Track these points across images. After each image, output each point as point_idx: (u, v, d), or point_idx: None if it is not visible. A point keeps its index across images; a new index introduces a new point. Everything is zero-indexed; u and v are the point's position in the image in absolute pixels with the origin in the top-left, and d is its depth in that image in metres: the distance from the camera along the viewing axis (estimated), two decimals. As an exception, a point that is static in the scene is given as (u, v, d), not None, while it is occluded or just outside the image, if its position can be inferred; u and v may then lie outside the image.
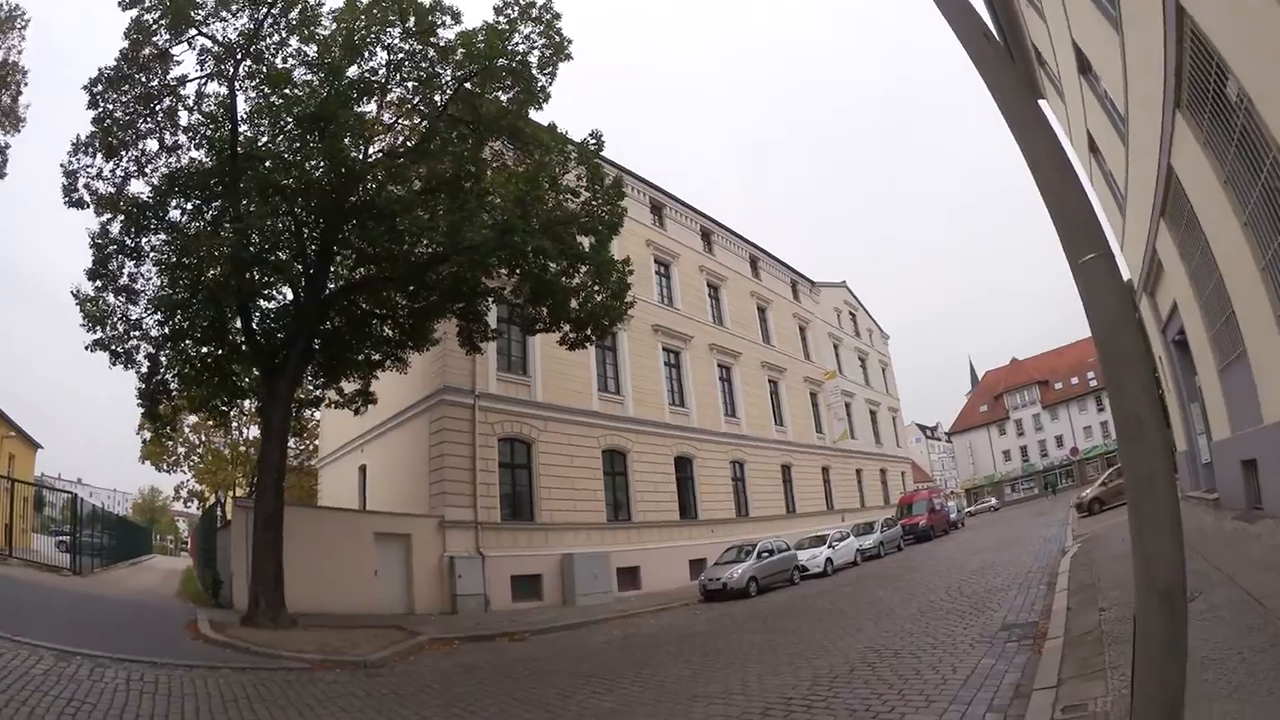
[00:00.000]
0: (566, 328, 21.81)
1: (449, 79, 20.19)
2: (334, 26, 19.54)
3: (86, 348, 19.53)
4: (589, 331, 22.03)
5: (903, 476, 65.10)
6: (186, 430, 48.93)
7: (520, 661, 15.28)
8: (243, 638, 15.81)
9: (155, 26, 18.73)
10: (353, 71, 19.39)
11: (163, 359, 20.88)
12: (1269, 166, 8.53)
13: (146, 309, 20.11)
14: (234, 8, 18.95)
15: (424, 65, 20.10)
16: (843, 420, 54.20)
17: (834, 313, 60.66)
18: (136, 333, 20.24)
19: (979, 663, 9.63)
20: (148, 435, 42.03)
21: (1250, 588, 8.93)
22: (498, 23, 19.51)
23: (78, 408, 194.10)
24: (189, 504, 59.64)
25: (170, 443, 46.66)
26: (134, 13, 18.54)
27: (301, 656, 14.48)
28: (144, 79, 19.27)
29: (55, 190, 19.23)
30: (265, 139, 19.90)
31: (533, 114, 20.86)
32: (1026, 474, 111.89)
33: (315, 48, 19.52)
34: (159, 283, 20.23)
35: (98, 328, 19.55)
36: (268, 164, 18.93)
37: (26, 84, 26.44)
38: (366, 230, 19.27)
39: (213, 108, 20.06)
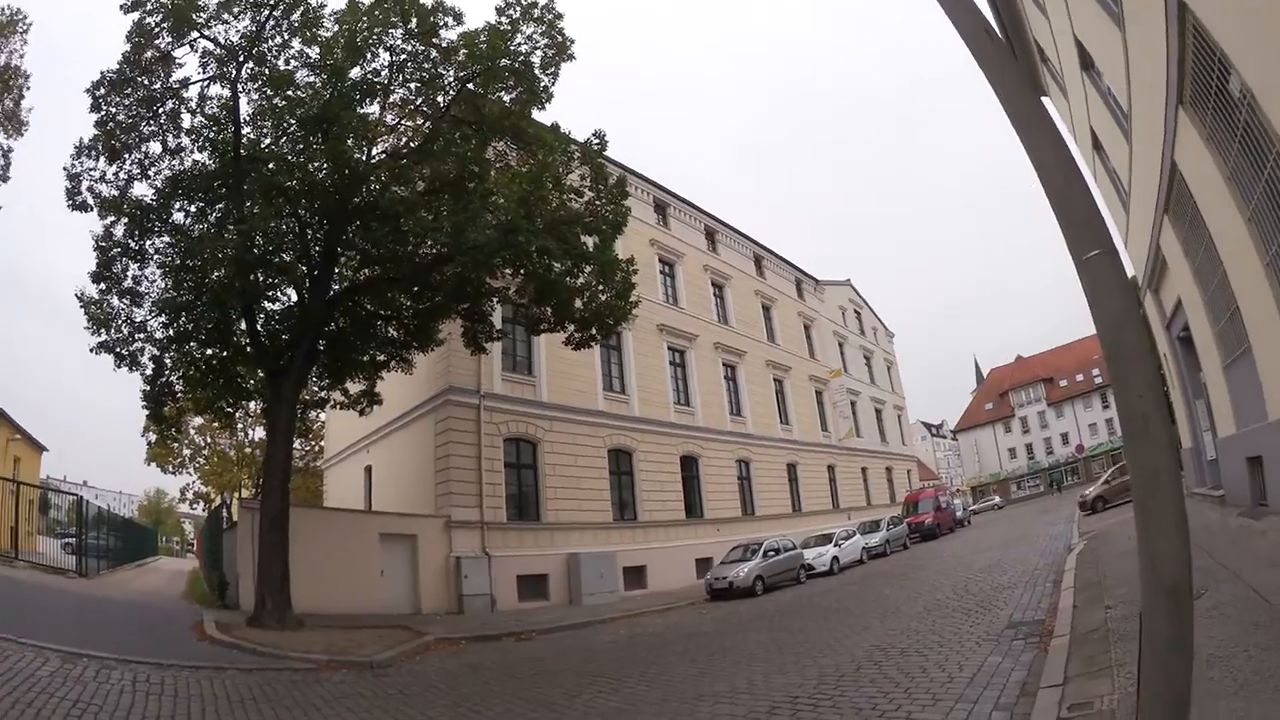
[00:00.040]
0: (571, 327, 21.80)
1: (452, 80, 20.17)
2: (336, 28, 19.54)
3: (91, 350, 19.54)
4: (594, 331, 22.01)
5: (908, 475, 65.10)
6: (192, 432, 49.14)
7: (526, 661, 15.29)
8: (249, 638, 15.83)
9: (157, 29, 18.76)
10: (355, 73, 19.40)
11: (167, 361, 20.89)
12: (1272, 162, 8.51)
13: (151, 311, 20.16)
14: (236, 10, 18.98)
15: (426, 66, 20.08)
16: (848, 418, 54.08)
17: (839, 311, 60.60)
18: (141, 335, 20.26)
19: (985, 661, 9.63)
20: (153, 437, 42.10)
21: (1256, 584, 8.90)
22: (500, 23, 19.50)
23: (83, 410, 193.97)
24: (195, 506, 59.82)
25: (176, 445, 46.81)
26: (135, 16, 18.58)
27: (308, 657, 14.50)
28: (146, 82, 19.29)
29: (58, 193, 19.26)
30: (268, 141, 19.92)
31: (536, 114, 20.87)
32: (1032, 471, 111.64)
33: (317, 49, 19.54)
34: (163, 285, 20.27)
35: (102, 330, 19.56)
36: (271, 166, 18.95)
37: (29, 88, 26.53)
38: (370, 231, 19.27)
39: (215, 110, 20.09)
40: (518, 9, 19.58)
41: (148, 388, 20.79)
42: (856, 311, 64.63)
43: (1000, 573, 19.28)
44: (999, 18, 17.91)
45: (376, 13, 19.15)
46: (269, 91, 19.37)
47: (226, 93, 19.73)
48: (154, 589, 28.73)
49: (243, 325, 20.49)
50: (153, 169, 20.00)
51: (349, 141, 18.43)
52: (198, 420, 43.97)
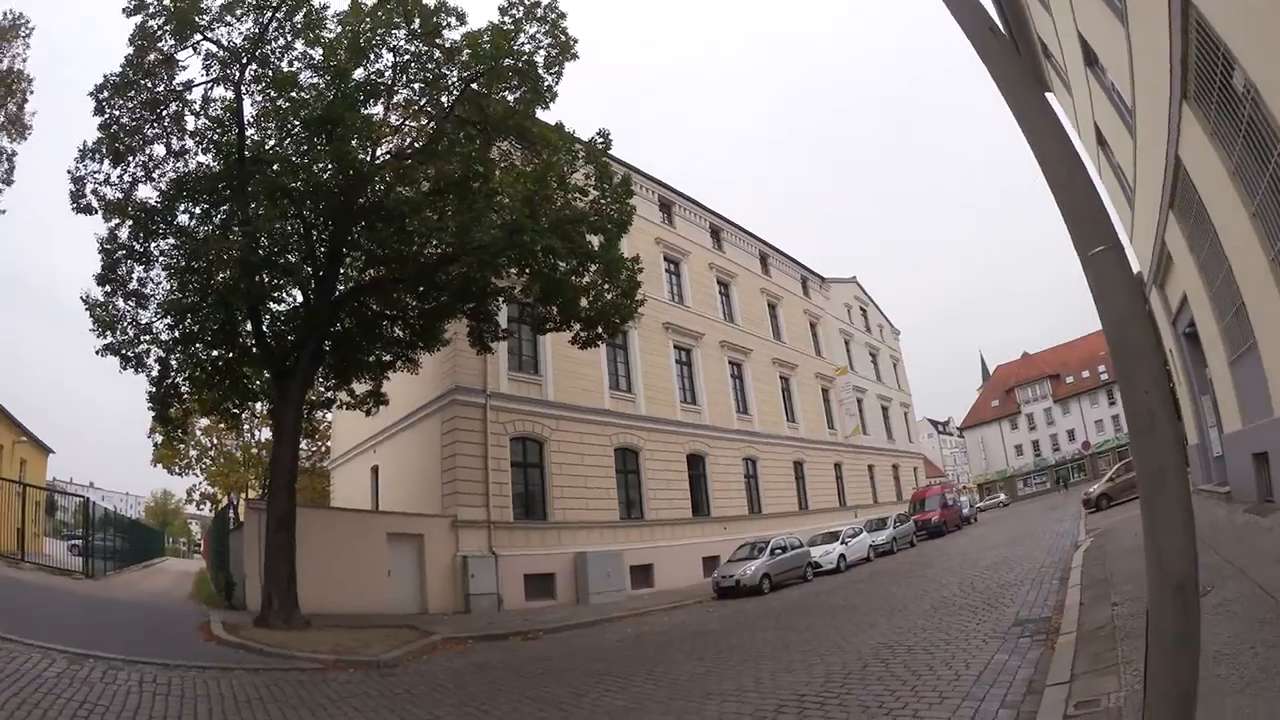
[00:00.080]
0: (577, 326, 21.79)
1: (455, 80, 20.18)
2: (339, 29, 19.53)
3: (97, 352, 19.57)
4: (600, 330, 22.00)
5: (915, 472, 65.03)
6: (198, 433, 49.18)
7: (533, 660, 15.30)
8: (256, 639, 15.87)
9: (160, 32, 18.77)
10: (359, 74, 19.42)
11: (173, 363, 20.92)
12: (1277, 157, 8.49)
13: (156, 313, 20.20)
14: (239, 12, 18.97)
15: (430, 67, 20.10)
16: (854, 416, 54.05)
17: (844, 308, 60.55)
18: (147, 337, 20.29)
19: (992, 658, 9.63)
20: (159, 439, 42.23)
21: (1262, 581, 8.89)
22: (503, 23, 19.47)
23: (89, 412, 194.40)
24: (201, 506, 59.96)
25: (182, 446, 46.89)
26: (138, 19, 18.60)
27: (315, 657, 14.54)
28: (150, 85, 19.30)
29: (61, 195, 19.35)
30: (273, 142, 19.92)
31: (540, 113, 20.83)
32: (1038, 468, 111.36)
33: (321, 51, 19.53)
34: (168, 287, 20.32)
35: (108, 333, 19.59)
36: (275, 167, 18.96)
37: (32, 91, 26.58)
38: (375, 232, 19.29)
39: (219, 112, 20.12)
40: (521, 9, 19.55)
41: (154, 389, 20.84)
42: (862, 309, 64.59)
43: (1007, 570, 19.26)
44: (1002, 14, 17.89)
45: (379, 14, 19.16)
46: (273, 93, 19.36)
47: (230, 95, 19.77)
48: (161, 590, 28.79)
49: (248, 326, 20.51)
50: (157, 171, 20.04)
51: (353, 142, 18.45)
52: (204, 421, 44.03)
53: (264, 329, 20.78)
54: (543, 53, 20.01)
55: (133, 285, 20.16)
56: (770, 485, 42.47)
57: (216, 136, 20.06)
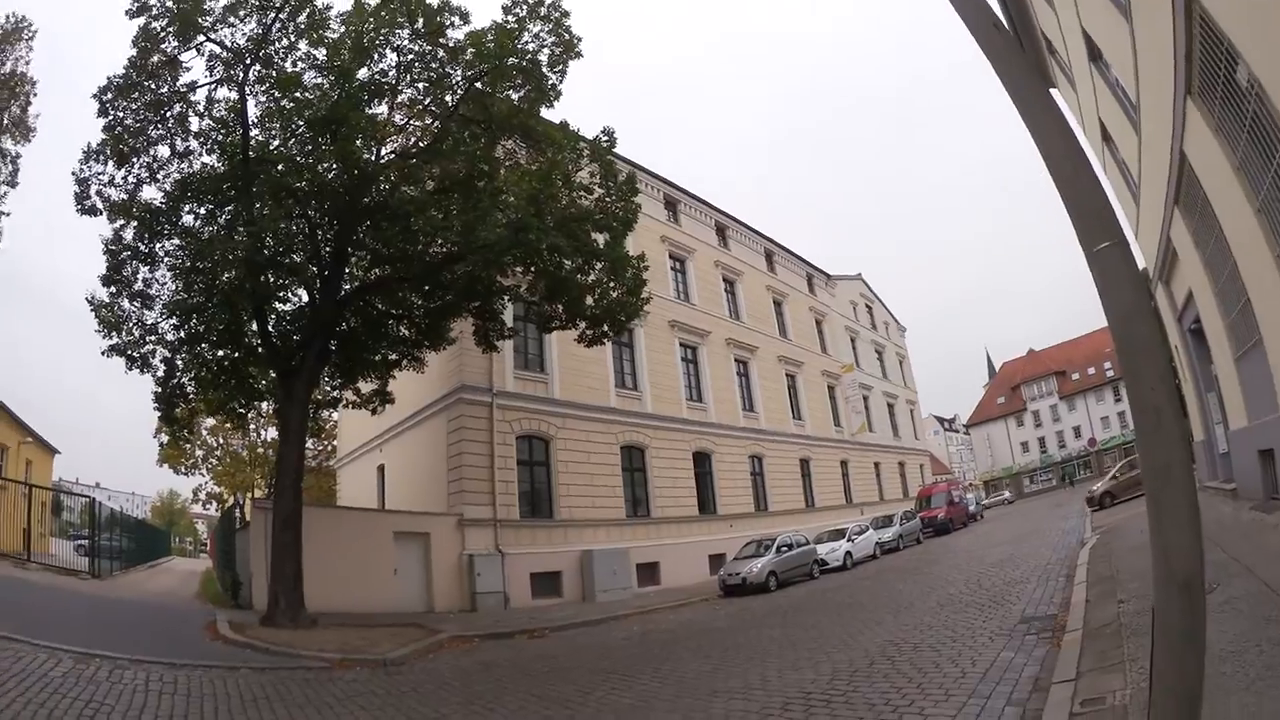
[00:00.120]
0: (583, 325, 21.74)
1: (459, 79, 20.17)
2: (342, 29, 19.54)
3: (103, 353, 19.59)
4: (605, 328, 21.96)
5: (921, 469, 64.90)
6: (204, 433, 49.17)
7: (540, 658, 15.31)
8: (262, 638, 15.90)
9: (163, 34, 18.79)
10: (363, 74, 19.41)
11: (179, 363, 20.98)
12: (1282, 152, 8.49)
13: (162, 314, 20.23)
14: (242, 13, 18.98)
15: (434, 66, 20.08)
16: (860, 413, 54.06)
17: (850, 306, 60.47)
18: (152, 337, 20.33)
19: (998, 656, 9.62)
20: (165, 439, 42.25)
21: (1268, 579, 8.87)
22: (507, 22, 19.44)
23: (95, 413, 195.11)
24: (208, 506, 59.88)
25: (188, 446, 46.87)
26: (141, 21, 18.63)
27: (321, 656, 14.54)
28: (153, 86, 19.34)
29: (64, 196, 19.41)
30: (277, 142, 19.92)
31: (544, 112, 20.79)
32: (1044, 465, 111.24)
33: (324, 51, 19.53)
34: (174, 287, 20.34)
35: (113, 333, 19.62)
36: (280, 167, 18.98)
37: (36, 94, 26.65)
38: (381, 231, 19.30)
39: (223, 113, 20.13)
40: (524, 7, 19.52)
41: (159, 390, 20.89)
42: (868, 306, 64.46)
43: (1013, 567, 19.24)
44: (1006, 10, 17.89)
45: (383, 13, 19.13)
46: (277, 93, 19.38)
47: (234, 95, 19.79)
48: (167, 589, 28.88)
49: (254, 326, 20.58)
50: (161, 172, 20.06)
51: (358, 142, 18.44)
52: (210, 421, 44.06)
53: (269, 329, 20.80)
54: (546, 51, 19.99)
55: (138, 286, 20.20)
56: (776, 483, 42.45)
57: (221, 137, 20.07)
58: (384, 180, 19.65)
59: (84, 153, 19.25)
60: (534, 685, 12.16)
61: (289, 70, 19.40)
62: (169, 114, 19.75)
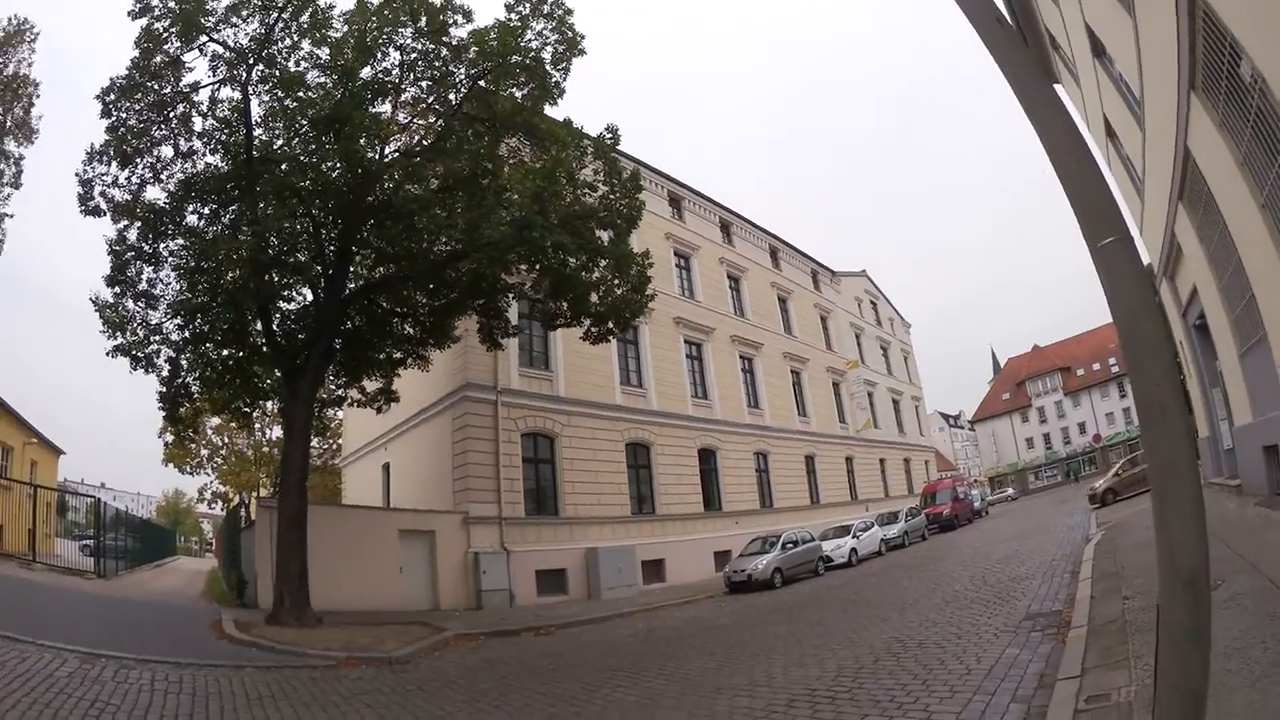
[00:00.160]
0: (588, 322, 21.71)
1: (463, 77, 20.17)
2: (345, 29, 19.58)
3: (107, 354, 19.63)
4: (610, 325, 21.93)
5: (926, 466, 64.90)
6: (209, 432, 49.35)
7: (545, 656, 15.33)
8: (267, 636, 15.93)
9: (165, 34, 18.82)
10: (366, 73, 19.42)
11: (183, 362, 21.02)
12: (1285, 147, 8.47)
13: (166, 314, 20.30)
14: (244, 13, 19.02)
15: (437, 64, 20.09)
16: (865, 410, 53.98)
17: (855, 302, 60.38)
18: (157, 337, 20.38)
19: (1003, 652, 9.62)
20: (170, 439, 42.32)
21: (1273, 575, 8.84)
22: (509, 20, 19.43)
23: (100, 414, 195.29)
24: (213, 505, 60.13)
25: (193, 445, 47.03)
26: (144, 21, 18.66)
27: (326, 654, 14.57)
28: (156, 86, 19.37)
29: (66, 196, 19.45)
30: (280, 142, 19.95)
31: (548, 110, 20.81)
32: (1049, 461, 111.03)
33: (327, 50, 19.56)
34: (178, 287, 20.38)
35: (118, 333, 19.67)
36: (284, 167, 19.01)
37: (38, 96, 26.72)
38: (385, 229, 19.33)
39: (227, 113, 20.16)
40: (527, 5, 19.51)
41: (164, 389, 20.91)
42: (873, 302, 64.41)
43: (1018, 564, 19.22)
44: (1009, 5, 17.83)
45: (385, 12, 19.13)
46: (280, 93, 19.40)
47: (237, 95, 19.81)
48: (172, 589, 28.93)
49: (258, 325, 20.63)
50: (165, 172, 20.11)
51: (361, 141, 18.43)
52: (215, 420, 44.22)
53: (274, 328, 20.82)
54: (550, 49, 20.00)
55: (142, 286, 20.24)
56: (781, 479, 42.42)
57: (224, 137, 20.10)
58: (388, 179, 19.66)
59: (87, 154, 19.29)
60: (539, 683, 12.18)
61: (292, 70, 19.42)
62: (172, 114, 19.80)
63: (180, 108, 19.86)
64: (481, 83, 19.95)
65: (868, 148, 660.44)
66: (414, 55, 19.90)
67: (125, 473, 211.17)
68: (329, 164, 19.13)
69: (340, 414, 36.77)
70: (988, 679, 8.47)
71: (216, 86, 19.89)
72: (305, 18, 19.46)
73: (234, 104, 20.00)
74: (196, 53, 19.33)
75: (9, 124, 25.95)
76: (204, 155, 20.43)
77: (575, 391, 30.45)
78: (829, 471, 48.02)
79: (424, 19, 19.27)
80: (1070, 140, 3.93)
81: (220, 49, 19.33)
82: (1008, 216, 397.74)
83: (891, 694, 8.56)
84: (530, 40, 19.76)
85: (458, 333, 23.13)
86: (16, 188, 26.28)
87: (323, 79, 19.52)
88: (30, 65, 26.57)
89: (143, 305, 20.25)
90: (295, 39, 19.69)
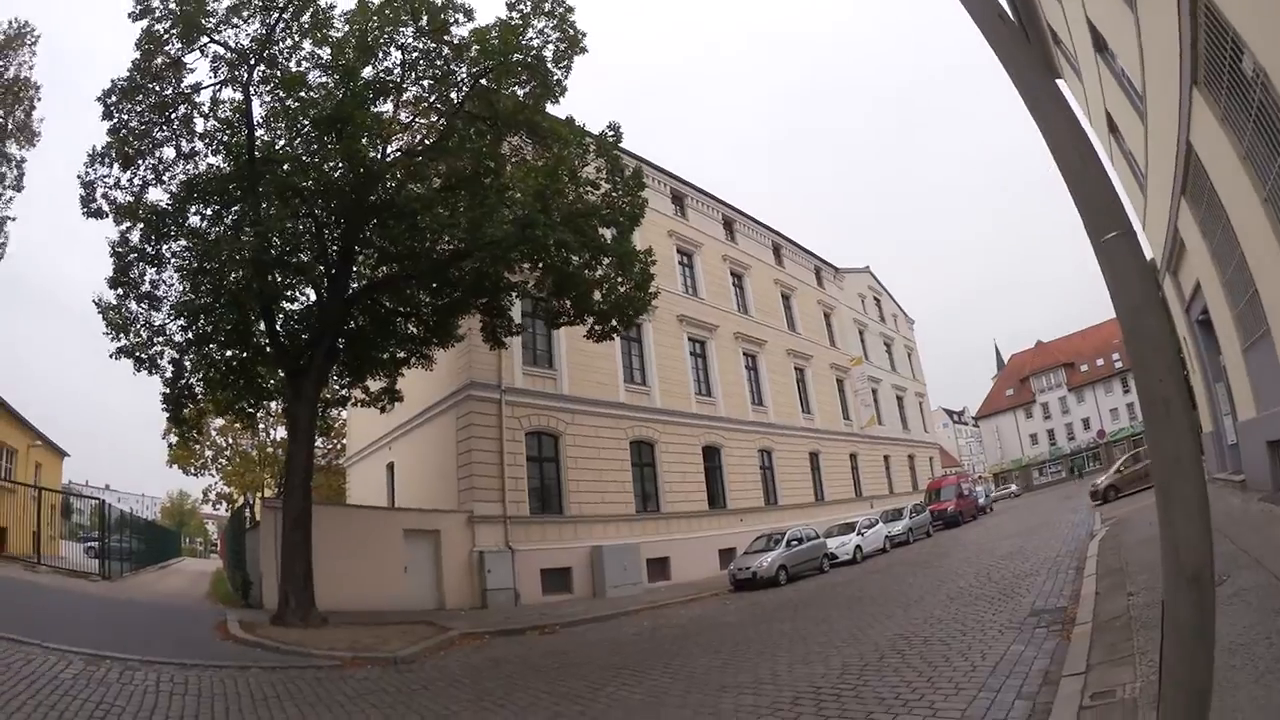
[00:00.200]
0: (591, 320, 21.71)
1: (464, 76, 20.18)
2: (346, 29, 19.59)
3: (111, 355, 19.65)
4: (613, 323, 21.93)
5: (930, 462, 64.79)
6: (213, 433, 49.42)
7: (550, 654, 15.35)
8: (273, 637, 15.96)
9: (166, 36, 18.85)
10: (367, 72, 19.43)
11: (187, 364, 21.04)
12: (1288, 143, 8.45)
13: (169, 315, 20.30)
14: (245, 14, 19.04)
15: (439, 63, 20.10)
16: (869, 406, 53.94)
17: (858, 298, 60.32)
18: (160, 339, 20.40)
19: (1008, 649, 9.60)
20: (174, 440, 42.40)
21: (1278, 571, 8.83)
22: (511, 18, 19.44)
23: (105, 416, 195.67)
24: (218, 506, 60.24)
25: (197, 446, 47.10)
26: (144, 23, 18.69)
27: (332, 654, 14.60)
28: (158, 88, 19.40)
29: (68, 198, 19.47)
30: (282, 142, 19.98)
31: (550, 108, 20.83)
32: (1054, 457, 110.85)
33: (329, 50, 19.58)
34: (181, 288, 20.40)
35: (121, 335, 19.68)
36: (286, 167, 19.02)
37: (40, 98, 26.75)
38: (387, 229, 19.34)
39: (228, 113, 20.17)
40: (529, 3, 19.53)
41: (168, 391, 20.92)
42: (876, 298, 64.36)
43: (1023, 560, 19.21)
44: (1011, 1, 17.82)
45: (386, 12, 19.13)
46: (281, 93, 19.42)
47: (239, 96, 19.84)
48: (177, 590, 28.98)
49: (262, 326, 20.63)
50: (167, 174, 20.15)
51: (363, 140, 18.45)
52: (219, 421, 44.23)
53: (277, 328, 20.85)
54: (551, 47, 20.01)
55: (145, 288, 20.27)
56: (786, 477, 42.43)
57: (226, 138, 20.12)
58: (390, 178, 19.68)
59: (89, 156, 19.34)
60: (545, 681, 12.18)
61: (293, 70, 19.43)
62: (174, 116, 19.82)
63: (182, 109, 19.89)
64: (483, 81, 19.96)
65: (868, 148, 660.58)
66: (415, 54, 19.90)
67: (129, 475, 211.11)
68: (331, 164, 19.15)
69: (344, 414, 36.88)
70: (992, 676, 8.46)
71: (218, 87, 19.94)
72: (306, 18, 19.48)
73: (235, 105, 20.02)
74: (198, 54, 19.38)
75: (10, 127, 25.99)
76: (206, 156, 20.48)
77: (579, 390, 30.46)
78: (833, 468, 47.97)
79: (425, 18, 19.26)
80: (1073, 135, 3.93)
81: (221, 50, 19.36)
82: (1008, 216, 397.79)
83: (896, 691, 8.55)
84: (532, 38, 19.78)
85: (461, 332, 23.14)
86: (18, 190, 26.34)
87: (324, 79, 19.54)
88: (31, 68, 26.62)
89: (146, 307, 20.28)
90: (296, 39, 19.71)
